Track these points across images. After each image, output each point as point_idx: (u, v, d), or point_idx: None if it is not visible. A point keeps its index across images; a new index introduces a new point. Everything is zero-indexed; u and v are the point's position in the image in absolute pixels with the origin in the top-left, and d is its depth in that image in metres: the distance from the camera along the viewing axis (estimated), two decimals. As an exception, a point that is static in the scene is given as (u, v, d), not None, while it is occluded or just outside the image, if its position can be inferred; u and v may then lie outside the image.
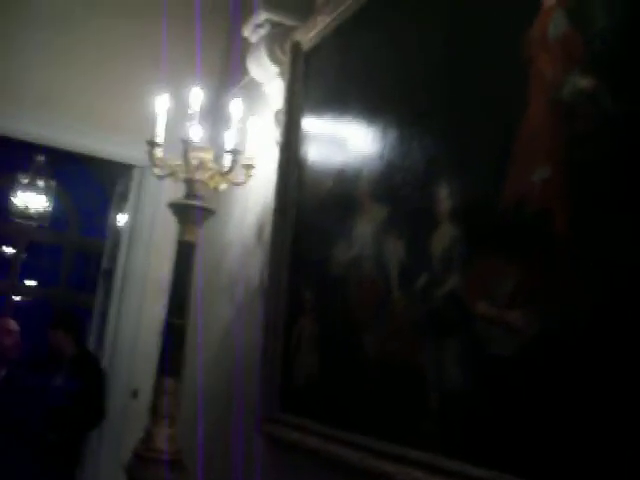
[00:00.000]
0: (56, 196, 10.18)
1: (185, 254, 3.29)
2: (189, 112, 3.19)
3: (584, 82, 1.61)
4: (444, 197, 2.06)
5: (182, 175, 3.33)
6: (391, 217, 2.37)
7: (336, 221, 2.74)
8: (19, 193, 9.45)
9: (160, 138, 3.32)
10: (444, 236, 2.04)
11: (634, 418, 1.37)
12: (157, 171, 3.39)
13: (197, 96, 3.21)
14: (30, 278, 13.70)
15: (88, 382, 4.68)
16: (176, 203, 3.32)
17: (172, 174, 3.37)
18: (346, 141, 2.80)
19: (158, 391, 3.14)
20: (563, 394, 1.55)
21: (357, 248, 2.54)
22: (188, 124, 3.18)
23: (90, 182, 10.54)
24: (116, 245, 5.28)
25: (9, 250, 12.99)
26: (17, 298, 13.49)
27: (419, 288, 2.11)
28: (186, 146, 3.17)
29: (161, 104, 3.35)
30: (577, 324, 1.54)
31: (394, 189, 2.36)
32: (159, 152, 3.32)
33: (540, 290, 1.65)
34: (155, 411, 3.13)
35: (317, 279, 2.82)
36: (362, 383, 2.37)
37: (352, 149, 2.73)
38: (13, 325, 4.71)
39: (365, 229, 2.52)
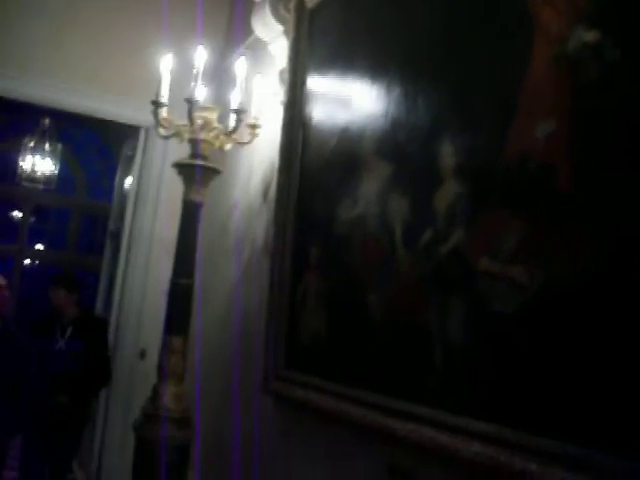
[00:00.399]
0: (63, 159, 10.17)
1: (191, 214, 3.30)
2: (193, 71, 3.17)
3: (589, 35, 1.59)
4: (448, 154, 2.05)
5: (187, 135, 3.33)
6: (395, 175, 2.35)
7: (340, 179, 2.73)
8: (25, 156, 9.43)
9: (165, 98, 3.30)
10: (448, 193, 2.03)
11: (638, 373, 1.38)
12: (162, 131, 3.38)
13: (201, 55, 3.19)
14: (39, 242, 13.75)
15: (91, 343, 4.67)
16: (181, 163, 3.33)
17: (177, 134, 3.37)
18: (350, 99, 2.78)
19: (165, 350, 3.17)
20: (565, 349, 1.55)
21: (361, 206, 2.53)
22: (192, 84, 3.17)
23: (97, 145, 10.57)
24: (123, 207, 5.29)
25: (17, 214, 13.03)
26: (26, 261, 13.56)
27: (423, 245, 2.11)
28: (190, 105, 3.15)
29: (165, 64, 3.33)
30: (580, 279, 1.53)
31: (398, 146, 2.35)
32: (164, 112, 3.31)
33: (543, 245, 1.64)
34: (162, 370, 3.16)
35: (322, 238, 2.82)
36: (368, 340, 2.38)
37: (356, 107, 2.71)
38: (0, 279, 4.45)
39: (369, 187, 2.51)
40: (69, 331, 4.73)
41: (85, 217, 12.77)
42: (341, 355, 2.55)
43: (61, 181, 10.32)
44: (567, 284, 1.56)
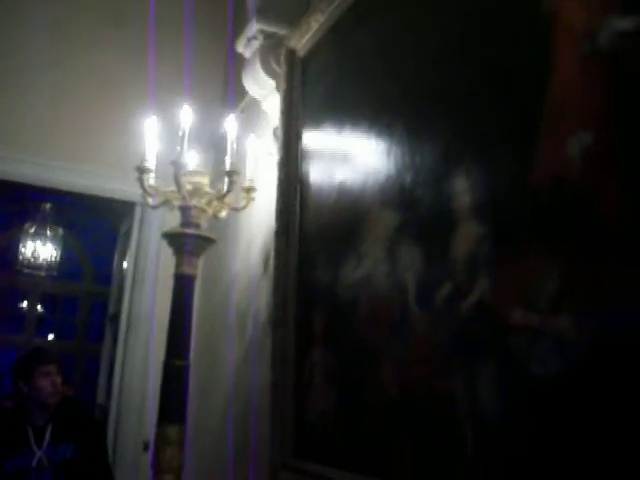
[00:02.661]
0: (66, 245, 10.00)
1: (182, 288, 2.99)
2: (180, 133, 2.90)
3: (625, 23, 1.29)
4: (462, 190, 1.74)
5: (176, 202, 3.04)
6: (404, 223, 2.04)
7: (343, 238, 2.42)
8: (26, 243, 9.27)
9: (150, 163, 3.02)
10: (467, 236, 1.70)
11: None
12: (149, 200, 3.08)
13: (187, 114, 2.92)
14: (51, 332, 13.37)
15: (86, 446, 3.33)
16: (170, 232, 3.02)
17: (166, 202, 3.07)
18: (349, 148, 2.50)
19: (160, 442, 2.80)
20: (635, 419, 1.21)
21: (367, 264, 2.21)
22: (179, 147, 2.89)
23: (102, 229, 10.33)
24: (121, 288, 4.99)
25: (26, 305, 12.73)
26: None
27: (441, 301, 1.78)
28: (177, 169, 2.87)
29: (149, 127, 3.07)
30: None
31: (405, 192, 2.04)
32: (150, 179, 3.03)
33: (592, 286, 1.31)
34: (158, 465, 2.79)
35: (326, 304, 2.49)
36: (384, 419, 2.03)
37: (356, 155, 2.42)
38: None
39: (375, 242, 2.19)
40: (49, 432, 3.24)
41: (94, 304, 12.42)
42: (355, 438, 2.18)
43: (68, 268, 10.10)
44: (628, 331, 1.23)
